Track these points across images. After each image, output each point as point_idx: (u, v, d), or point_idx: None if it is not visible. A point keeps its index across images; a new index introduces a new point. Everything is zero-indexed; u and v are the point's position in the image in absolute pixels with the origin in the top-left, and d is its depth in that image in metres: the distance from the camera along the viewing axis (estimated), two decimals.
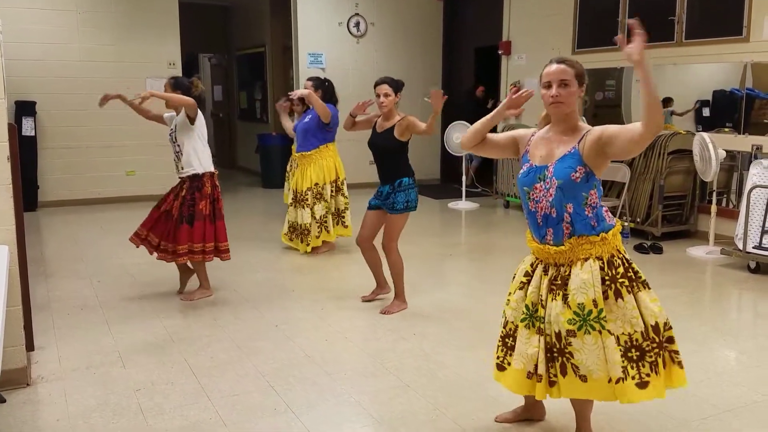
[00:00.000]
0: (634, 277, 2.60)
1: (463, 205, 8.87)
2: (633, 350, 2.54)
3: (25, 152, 8.05)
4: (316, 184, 6.05)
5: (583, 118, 8.15)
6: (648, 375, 2.53)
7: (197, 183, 4.68)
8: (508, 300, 2.81)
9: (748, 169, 5.97)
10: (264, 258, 6.14)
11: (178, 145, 4.68)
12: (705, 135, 6.03)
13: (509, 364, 2.76)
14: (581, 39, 8.10)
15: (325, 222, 6.11)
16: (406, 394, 3.37)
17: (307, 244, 6.08)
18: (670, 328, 2.63)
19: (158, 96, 4.56)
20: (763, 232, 5.64)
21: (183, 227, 4.65)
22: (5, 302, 2.54)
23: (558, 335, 2.59)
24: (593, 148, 2.54)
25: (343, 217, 6.27)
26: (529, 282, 2.73)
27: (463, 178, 9.03)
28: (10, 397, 3.29)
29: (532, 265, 2.76)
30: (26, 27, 8.44)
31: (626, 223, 6.81)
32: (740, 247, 5.72)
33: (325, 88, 6.03)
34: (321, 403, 3.28)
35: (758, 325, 4.70)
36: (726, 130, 6.57)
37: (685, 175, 6.77)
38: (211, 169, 4.76)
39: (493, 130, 2.92)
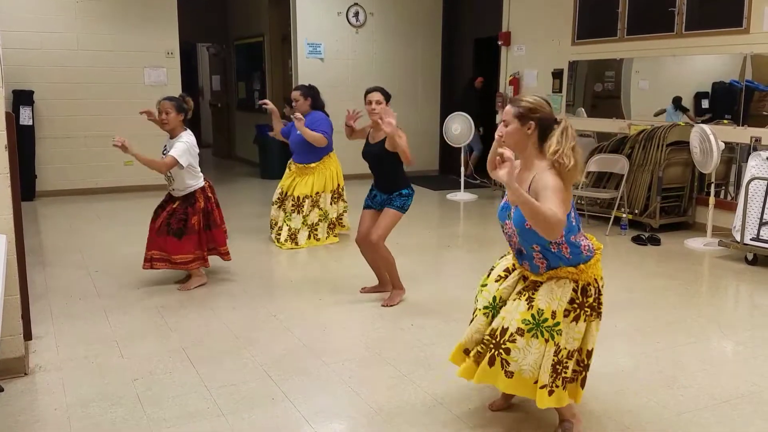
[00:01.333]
0: (596, 306, 2.71)
1: (462, 196, 8.86)
2: (560, 366, 2.66)
3: (22, 141, 8.03)
4: (317, 192, 6.06)
5: (582, 109, 8.16)
6: (557, 386, 2.68)
7: (190, 200, 4.73)
8: (482, 289, 2.93)
9: (747, 161, 5.98)
10: (262, 249, 6.14)
11: (170, 173, 4.67)
12: (705, 127, 6.03)
13: None
14: (581, 30, 8.08)
15: (317, 229, 6.10)
16: (403, 384, 3.37)
17: (285, 242, 6.05)
18: (591, 358, 2.81)
19: (140, 160, 4.44)
20: (761, 224, 5.64)
21: (170, 239, 4.69)
22: (3, 291, 2.54)
23: (503, 330, 2.68)
24: (534, 197, 2.48)
25: (341, 218, 6.32)
26: (506, 278, 2.85)
27: (462, 169, 9.03)
28: (7, 387, 3.30)
29: (514, 264, 2.86)
30: (24, 15, 8.40)
31: (624, 215, 6.81)
32: (738, 238, 5.72)
33: (313, 95, 6.02)
34: (318, 392, 3.29)
35: (755, 316, 4.71)
36: (725, 121, 6.57)
37: (683, 167, 6.76)
38: (202, 184, 4.77)
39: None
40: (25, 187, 7.95)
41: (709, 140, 5.88)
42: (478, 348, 2.80)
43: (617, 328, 4.12)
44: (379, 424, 3.00)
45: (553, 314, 2.63)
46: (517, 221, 2.63)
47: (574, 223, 2.64)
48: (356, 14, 10.08)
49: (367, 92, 4.49)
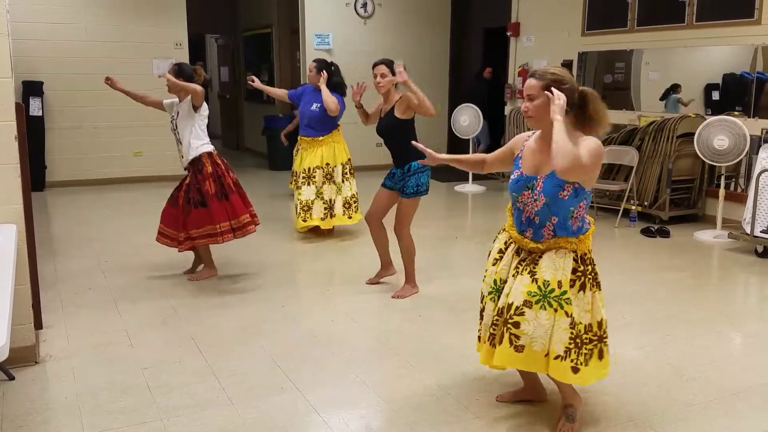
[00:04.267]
0: (595, 275, 2.73)
1: (470, 188, 8.85)
2: (579, 339, 2.66)
3: (32, 132, 8.05)
4: (327, 164, 5.94)
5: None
6: (581, 363, 2.67)
7: (197, 165, 4.67)
8: (485, 276, 2.94)
9: (758, 153, 5.94)
10: (270, 239, 6.16)
11: (179, 133, 4.67)
12: (731, 118, 6.03)
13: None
14: (591, 21, 8.03)
15: (333, 206, 5.94)
16: (411, 374, 3.38)
17: (304, 220, 5.95)
18: (607, 327, 2.79)
19: (171, 80, 4.53)
20: None
21: (197, 211, 4.61)
22: (14, 281, 2.56)
23: (509, 306, 2.69)
24: None
25: (356, 202, 6.15)
26: (501, 259, 2.86)
27: None
28: (18, 375, 3.33)
29: (506, 243, 2.87)
30: (33, 7, 8.42)
31: (633, 207, 6.78)
32: (748, 231, 5.69)
33: (330, 71, 5.96)
34: (326, 382, 3.30)
35: (764, 309, 4.69)
36: (736, 113, 6.52)
37: (693, 159, 6.72)
38: (209, 149, 4.71)
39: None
40: (35, 177, 7.99)
41: (739, 125, 5.88)
42: (491, 330, 2.80)
43: (625, 319, 4.11)
44: (387, 413, 3.01)
45: (559, 284, 2.63)
46: (550, 191, 2.64)
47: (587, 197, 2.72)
48: (364, 5, 10.05)
49: (374, 65, 4.49)
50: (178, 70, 4.65)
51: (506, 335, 2.68)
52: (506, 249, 2.85)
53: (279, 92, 6.52)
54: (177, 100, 4.73)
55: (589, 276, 2.69)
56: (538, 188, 2.68)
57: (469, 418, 2.95)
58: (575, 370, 2.66)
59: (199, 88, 4.57)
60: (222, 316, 4.20)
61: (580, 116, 2.72)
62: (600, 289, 2.76)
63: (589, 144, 2.60)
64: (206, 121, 4.73)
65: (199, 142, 4.67)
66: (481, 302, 2.96)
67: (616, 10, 7.61)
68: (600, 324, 2.74)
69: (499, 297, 2.81)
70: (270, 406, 3.06)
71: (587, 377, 2.71)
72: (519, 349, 2.67)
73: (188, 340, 3.79)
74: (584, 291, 2.67)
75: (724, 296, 4.89)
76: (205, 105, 4.69)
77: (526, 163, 2.76)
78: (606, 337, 2.77)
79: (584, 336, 2.67)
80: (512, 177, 2.80)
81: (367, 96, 4.67)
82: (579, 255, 2.69)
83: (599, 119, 2.72)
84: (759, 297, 5.03)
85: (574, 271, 2.67)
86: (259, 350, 3.67)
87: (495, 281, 2.85)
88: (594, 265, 2.75)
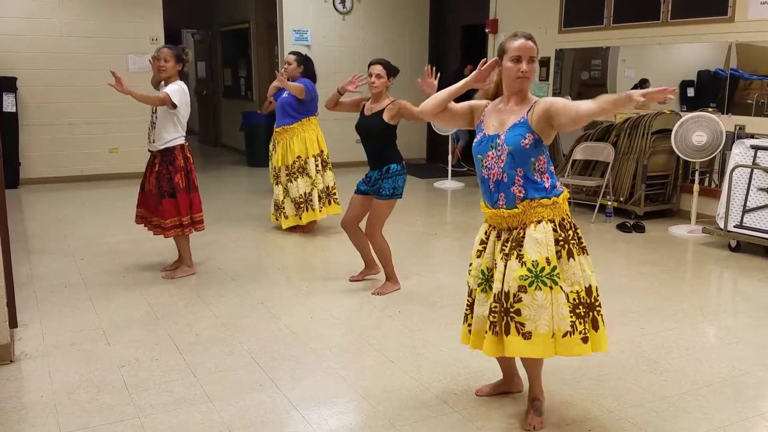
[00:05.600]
0: (578, 241, 2.75)
1: (449, 184, 8.88)
2: (580, 307, 2.68)
3: (6, 129, 7.95)
4: (299, 157, 5.92)
5: (568, 97, 8.17)
6: (588, 331, 2.70)
7: (169, 157, 4.65)
8: (470, 270, 2.94)
9: (731, 149, 6.03)
10: (249, 236, 6.13)
11: (156, 116, 4.64)
12: (708, 114, 6.11)
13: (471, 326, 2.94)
14: (568, 18, 8.09)
15: (311, 200, 5.95)
16: (390, 370, 3.40)
17: (286, 217, 5.97)
18: (599, 294, 2.78)
19: (135, 96, 4.43)
20: (745, 212, 5.70)
21: (167, 201, 4.64)
22: None
23: (506, 294, 2.69)
24: (541, 119, 2.67)
25: (334, 194, 6.12)
26: (485, 249, 2.87)
27: (449, 157, 9.04)
28: None
29: (486, 233, 2.89)
30: (6, 1, 8.29)
31: (609, 203, 6.86)
32: (722, 226, 5.78)
33: (307, 64, 6.00)
34: (306, 378, 3.30)
35: (738, 302, 4.77)
36: (710, 110, 6.61)
37: (668, 155, 6.81)
38: (181, 141, 4.69)
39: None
40: (8, 174, 7.88)
41: (716, 122, 5.99)
42: (490, 318, 2.78)
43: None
44: (366, 409, 3.02)
45: (548, 261, 2.64)
46: (512, 140, 2.69)
47: (547, 153, 2.77)
48: (343, 1, 10.03)
49: (370, 64, 4.44)
50: (176, 55, 4.63)
51: (512, 325, 2.68)
52: (488, 239, 2.86)
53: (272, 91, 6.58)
54: (164, 84, 4.69)
55: (572, 241, 2.70)
56: (501, 141, 2.72)
57: (449, 412, 2.97)
58: (585, 340, 2.67)
59: (163, 99, 4.49)
60: (200, 313, 4.18)
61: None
62: (587, 254, 2.76)
63: (558, 99, 2.68)
64: (186, 116, 4.70)
65: (170, 136, 4.65)
66: (469, 296, 2.95)
67: (593, 7, 7.68)
68: (589, 290, 2.73)
69: (490, 286, 2.82)
70: (249, 403, 3.05)
71: (597, 344, 2.72)
72: (527, 336, 2.66)
73: (166, 338, 3.77)
74: (573, 257, 2.68)
75: (699, 290, 4.96)
76: (185, 103, 4.63)
77: (489, 124, 2.81)
78: (598, 305, 2.76)
79: (585, 300, 2.68)
80: (475, 141, 2.85)
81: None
82: (557, 223, 2.70)
83: None
84: (732, 291, 5.11)
85: (557, 241, 2.68)
86: (237, 347, 3.66)
87: (482, 271, 2.85)
88: (576, 228, 2.75)
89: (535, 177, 2.70)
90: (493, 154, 2.75)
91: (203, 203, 4.91)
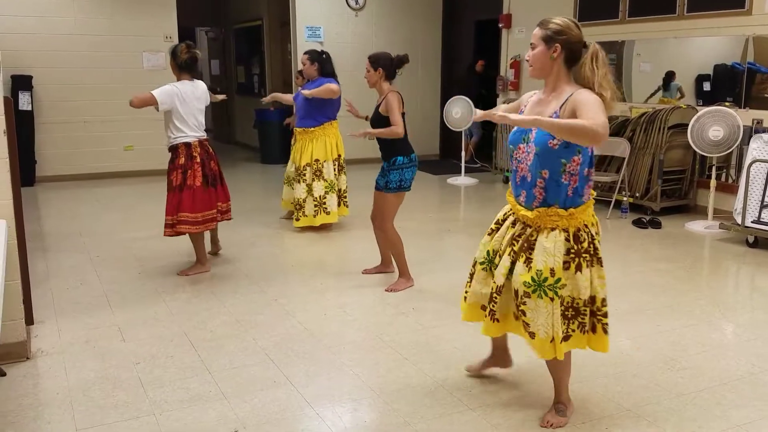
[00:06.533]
0: (593, 252, 2.67)
1: (462, 180, 8.85)
2: (570, 310, 2.68)
3: (22, 127, 8.01)
4: (317, 160, 5.89)
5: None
6: (573, 330, 2.70)
7: (173, 154, 4.71)
8: (480, 244, 2.98)
9: (748, 144, 5.96)
10: (263, 233, 6.14)
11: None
12: (725, 109, 6.05)
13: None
14: (582, 12, 8.02)
15: (324, 203, 5.93)
16: (404, 367, 3.39)
17: (297, 219, 5.98)
18: (606, 305, 2.74)
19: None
20: (762, 207, 5.64)
21: (169, 196, 4.68)
22: (4, 276, 2.55)
23: (516, 293, 2.71)
24: (570, 117, 2.48)
25: (344, 196, 6.16)
26: (497, 230, 2.87)
27: (463, 153, 9.00)
28: (10, 371, 3.31)
29: (505, 214, 2.87)
30: (21, 0, 8.34)
31: (625, 198, 6.80)
32: (739, 221, 5.72)
33: (321, 61, 5.93)
34: (320, 375, 3.30)
35: (755, 299, 4.72)
36: (727, 104, 6.53)
37: (684, 150, 6.74)
38: (185, 140, 4.68)
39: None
40: (24, 172, 7.94)
41: (733, 116, 5.93)
42: (490, 306, 2.82)
43: (618, 310, 4.12)
44: (380, 406, 3.01)
45: (552, 272, 2.61)
46: (539, 140, 2.58)
47: (590, 154, 2.62)
48: None
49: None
50: (172, 54, 4.74)
51: (520, 319, 2.73)
52: (503, 222, 2.85)
53: (286, 97, 6.52)
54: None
55: (585, 255, 2.63)
56: (531, 138, 2.64)
57: (464, 410, 2.96)
58: (567, 337, 2.68)
59: (146, 100, 4.50)
60: (214, 310, 4.19)
61: (579, 73, 2.61)
62: (601, 265, 2.69)
63: (591, 101, 2.45)
64: (186, 114, 4.67)
65: (171, 134, 4.68)
66: (473, 267, 2.99)
67: (607, 1, 7.61)
68: (593, 300, 2.70)
69: (490, 267, 2.85)
70: (263, 399, 3.06)
71: (579, 342, 2.72)
72: (532, 335, 2.69)
73: (180, 335, 3.78)
74: (581, 271, 2.62)
75: (716, 286, 4.91)
76: (167, 104, 4.57)
77: (527, 113, 2.73)
78: (600, 315, 2.72)
79: (581, 308, 2.67)
80: (513, 130, 2.77)
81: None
82: (572, 233, 2.62)
83: (597, 81, 2.53)
84: (750, 287, 5.06)
85: (568, 251, 2.62)
86: (251, 344, 3.67)
87: (488, 252, 2.88)
88: (593, 239, 2.67)
89: (563, 179, 2.59)
90: (523, 147, 2.69)
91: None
